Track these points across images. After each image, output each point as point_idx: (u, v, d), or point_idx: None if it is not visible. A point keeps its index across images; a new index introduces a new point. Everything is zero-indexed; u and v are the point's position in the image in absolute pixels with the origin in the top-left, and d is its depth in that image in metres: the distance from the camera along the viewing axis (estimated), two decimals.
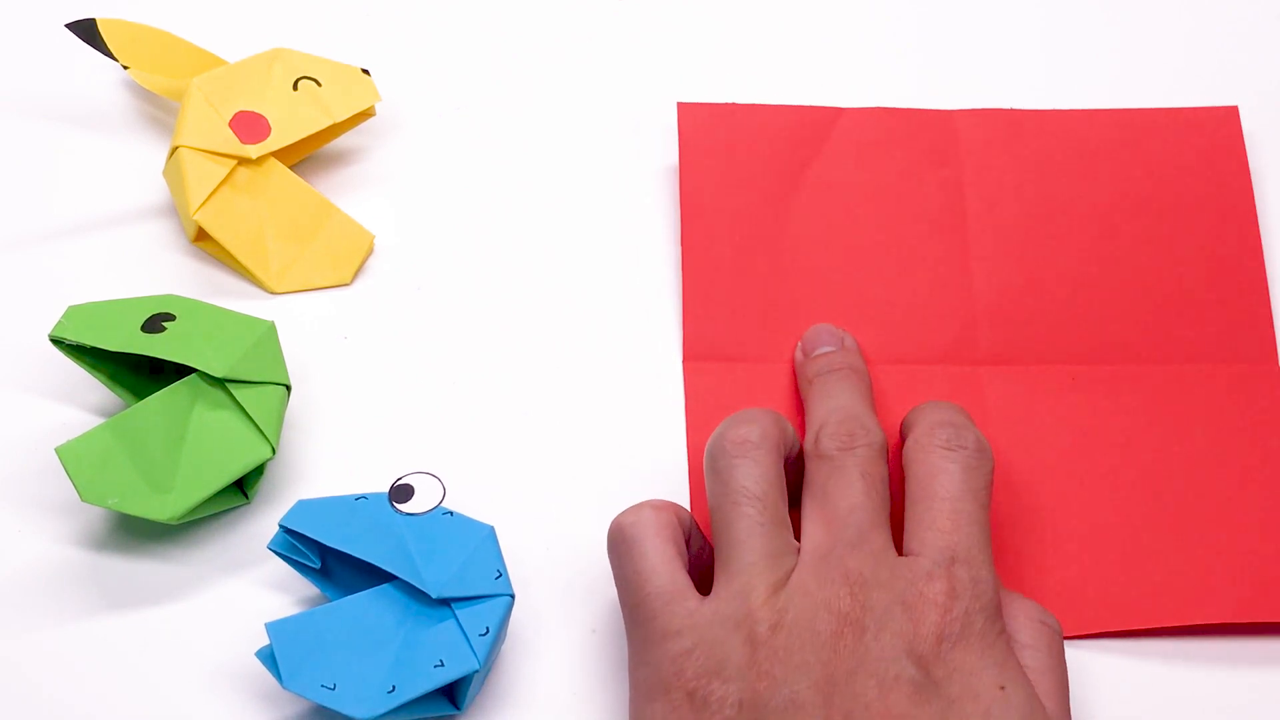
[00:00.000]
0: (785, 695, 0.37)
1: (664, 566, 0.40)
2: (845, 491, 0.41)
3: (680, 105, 0.52)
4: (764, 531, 0.40)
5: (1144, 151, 0.52)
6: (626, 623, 0.41)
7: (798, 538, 0.41)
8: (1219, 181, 0.52)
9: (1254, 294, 0.50)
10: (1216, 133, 0.52)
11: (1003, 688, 0.38)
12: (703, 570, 0.42)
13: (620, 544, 0.41)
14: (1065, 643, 0.41)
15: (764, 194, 0.51)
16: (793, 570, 0.40)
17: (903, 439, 0.45)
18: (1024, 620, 0.41)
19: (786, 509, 0.42)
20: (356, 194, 0.53)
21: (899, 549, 0.41)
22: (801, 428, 0.47)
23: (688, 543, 0.42)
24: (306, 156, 0.53)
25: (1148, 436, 0.48)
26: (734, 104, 0.53)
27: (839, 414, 0.44)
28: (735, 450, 0.42)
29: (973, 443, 0.42)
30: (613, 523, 0.42)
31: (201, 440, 0.44)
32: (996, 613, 0.39)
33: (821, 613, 0.38)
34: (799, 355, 0.48)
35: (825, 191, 0.52)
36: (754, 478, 0.41)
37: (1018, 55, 0.57)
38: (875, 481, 0.42)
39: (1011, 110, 0.53)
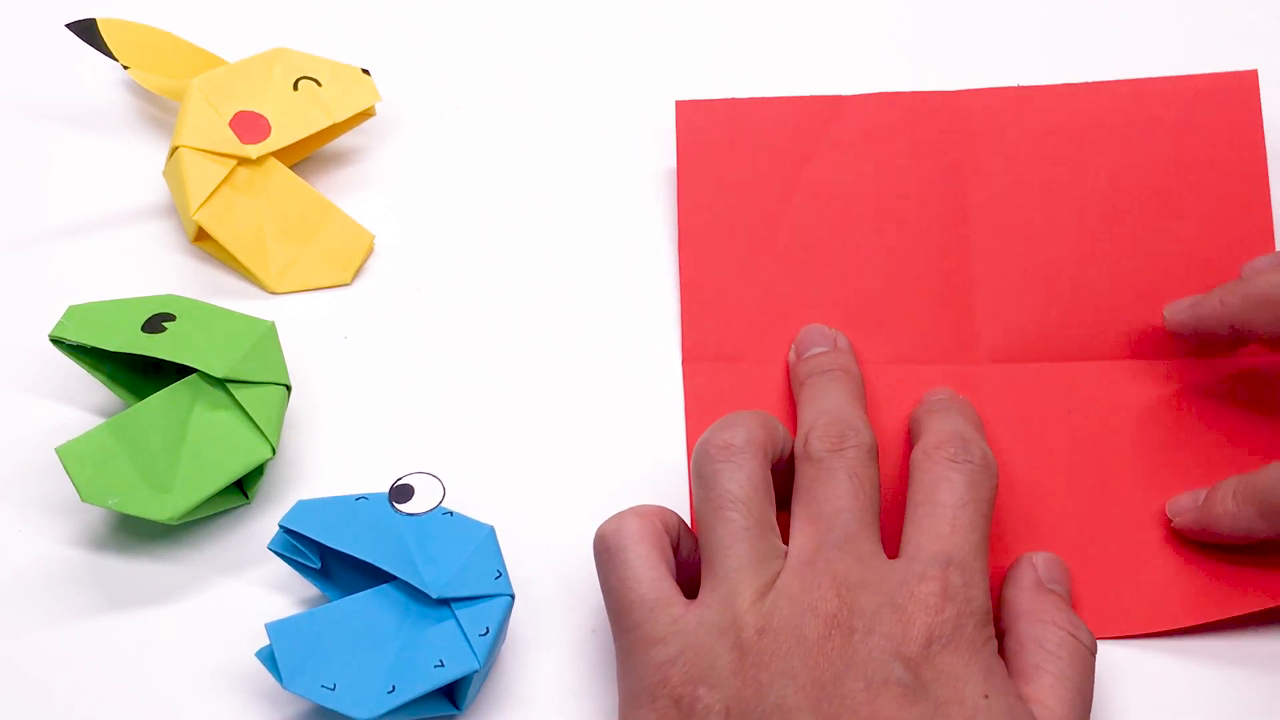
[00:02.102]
0: (772, 701, 0.37)
1: (647, 574, 0.40)
2: (832, 493, 0.41)
3: (678, 104, 0.52)
4: (748, 536, 0.40)
5: (1155, 122, 0.51)
6: (613, 631, 0.41)
7: (788, 542, 0.41)
8: (1233, 153, 0.50)
9: None
10: (1232, 99, 0.50)
11: (986, 696, 0.38)
12: (695, 575, 0.42)
13: (603, 553, 0.41)
14: None
15: (763, 191, 0.51)
16: (779, 574, 0.40)
17: (910, 438, 0.45)
18: (1052, 628, 0.41)
19: (773, 513, 0.41)
20: (356, 194, 0.53)
21: (892, 552, 0.41)
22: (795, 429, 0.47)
23: (678, 547, 0.42)
24: (306, 156, 0.53)
25: (1149, 435, 0.48)
26: (733, 99, 0.52)
27: (827, 416, 0.43)
28: (719, 455, 0.41)
29: (979, 457, 0.42)
30: (596, 531, 0.42)
31: (201, 440, 0.44)
32: (986, 620, 0.39)
33: (808, 616, 0.38)
34: (792, 356, 0.48)
35: (825, 187, 0.51)
36: (737, 482, 0.41)
37: (1022, 40, 0.57)
38: (864, 483, 0.41)
39: (1017, 88, 0.52)
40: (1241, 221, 0.50)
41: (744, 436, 0.42)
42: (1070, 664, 0.40)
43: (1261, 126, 0.50)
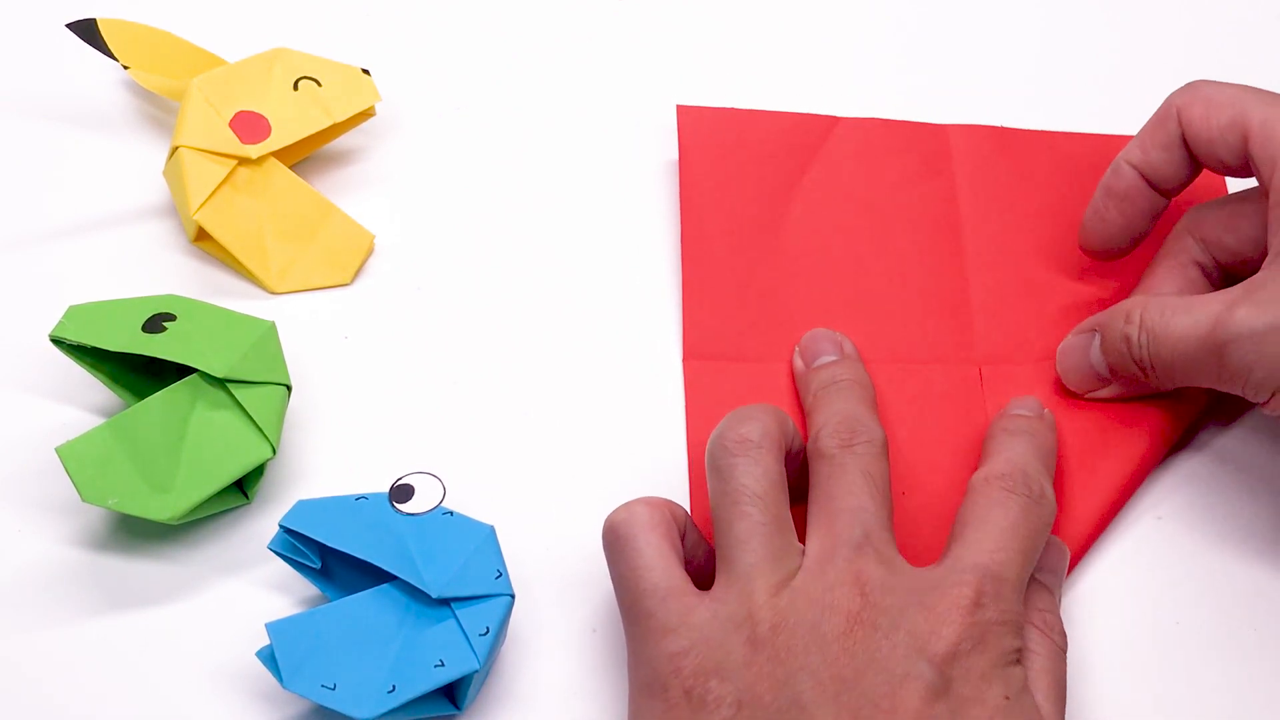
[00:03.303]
0: (788, 696, 0.37)
1: (659, 562, 0.40)
2: (847, 491, 0.41)
3: (679, 108, 0.52)
4: (765, 531, 0.40)
5: None
6: (624, 620, 0.41)
7: (801, 536, 0.41)
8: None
9: None
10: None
11: (1007, 698, 0.38)
12: (699, 570, 0.42)
13: (614, 541, 0.41)
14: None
15: (762, 196, 0.52)
16: (796, 571, 0.40)
17: (982, 456, 0.45)
18: (1031, 627, 0.41)
19: (788, 508, 0.41)
20: (356, 194, 0.53)
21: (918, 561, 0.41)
22: (802, 428, 0.47)
23: (683, 540, 0.42)
24: (306, 156, 0.53)
25: (1142, 433, 0.48)
26: (732, 108, 0.53)
27: (838, 416, 0.44)
28: (736, 449, 0.41)
29: (1038, 491, 0.42)
30: (606, 520, 0.42)
31: (202, 440, 0.44)
32: (1015, 634, 0.39)
33: (828, 614, 0.38)
34: (799, 363, 0.48)
35: (822, 195, 0.52)
36: (754, 476, 0.41)
37: (1011, 72, 0.57)
38: (877, 480, 0.42)
39: (1003, 128, 0.54)
40: None
41: (760, 431, 0.42)
42: (1048, 660, 0.40)
43: (1225, 187, 0.53)
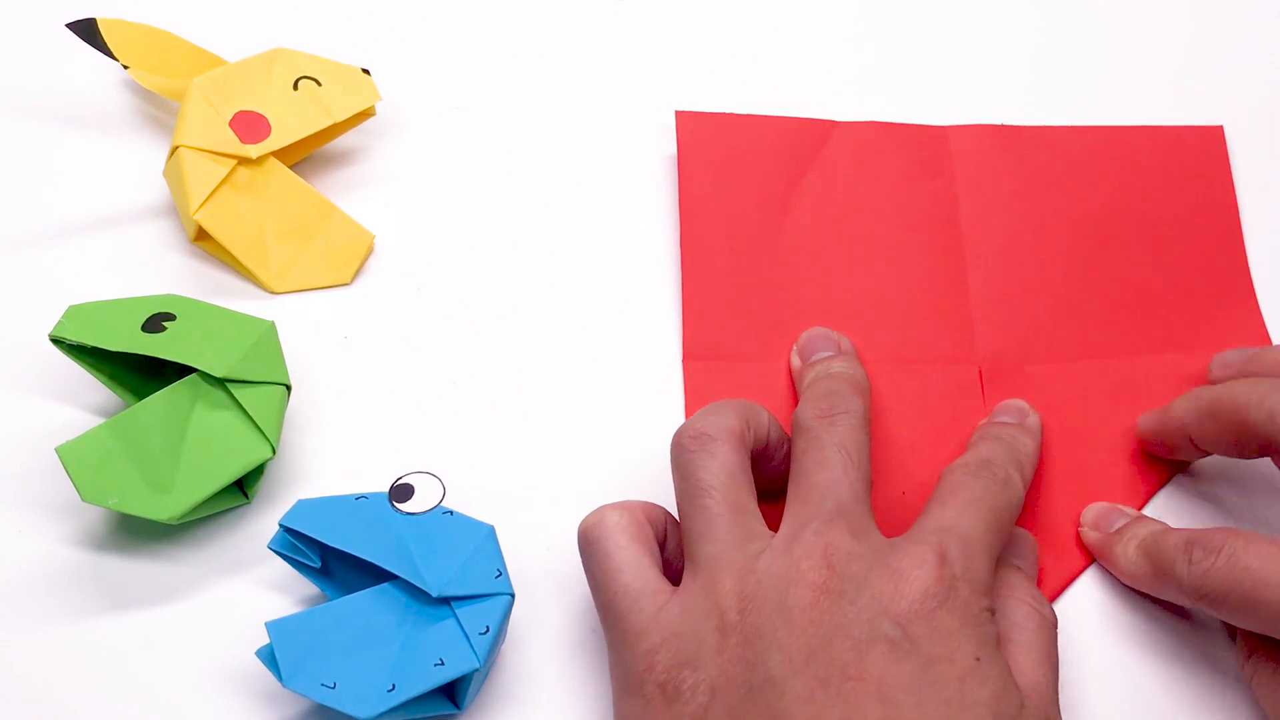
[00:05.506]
0: (761, 675, 0.37)
1: (630, 564, 0.40)
2: (821, 465, 0.41)
3: (678, 113, 0.52)
4: (724, 521, 0.40)
5: (1131, 167, 0.53)
6: (602, 625, 0.41)
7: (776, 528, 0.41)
8: (1205, 196, 0.53)
9: (1240, 294, 0.51)
10: (1202, 151, 0.53)
11: (978, 659, 0.38)
12: (681, 571, 0.42)
13: (586, 547, 0.41)
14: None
15: (761, 199, 0.52)
16: (761, 554, 0.40)
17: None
18: (1015, 601, 0.41)
19: (753, 499, 0.41)
20: (356, 194, 0.53)
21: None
22: None
23: (665, 541, 0.42)
24: (306, 156, 0.53)
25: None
26: (731, 114, 0.53)
27: (820, 392, 0.44)
28: (692, 444, 0.42)
29: (1002, 475, 0.42)
30: (578, 527, 0.42)
31: (201, 440, 0.44)
32: (984, 593, 0.39)
33: (794, 587, 0.38)
34: (796, 362, 0.48)
35: (821, 198, 0.52)
36: (710, 470, 0.41)
37: (1009, 73, 0.57)
38: (853, 452, 0.42)
39: (1002, 126, 0.54)
40: (1215, 250, 0.52)
41: (717, 425, 0.42)
42: (1036, 633, 0.40)
43: (1230, 175, 0.53)
